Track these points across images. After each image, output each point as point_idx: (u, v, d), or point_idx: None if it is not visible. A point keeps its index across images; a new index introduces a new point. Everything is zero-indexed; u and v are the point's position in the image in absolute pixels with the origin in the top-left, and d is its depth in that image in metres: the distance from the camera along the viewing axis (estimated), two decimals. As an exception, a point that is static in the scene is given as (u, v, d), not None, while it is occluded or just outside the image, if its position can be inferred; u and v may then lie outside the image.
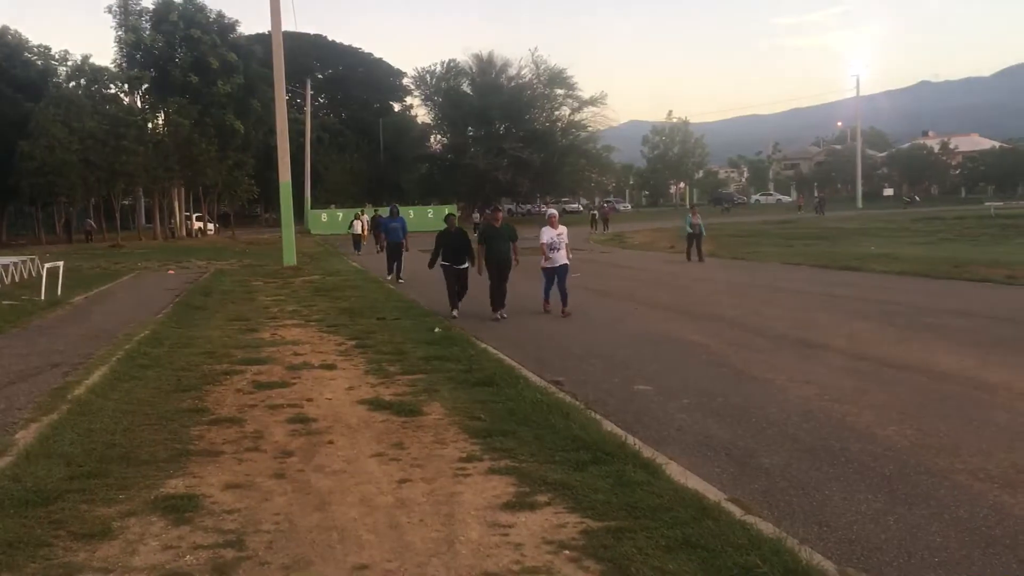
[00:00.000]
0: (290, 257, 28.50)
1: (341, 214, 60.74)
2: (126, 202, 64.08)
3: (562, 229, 14.89)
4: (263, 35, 61.79)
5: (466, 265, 14.86)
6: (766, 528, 4.73)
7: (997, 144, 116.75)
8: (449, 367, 9.54)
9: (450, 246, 14.85)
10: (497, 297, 14.39)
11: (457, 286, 14.83)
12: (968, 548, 4.65)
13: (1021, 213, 53.20)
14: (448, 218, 15.82)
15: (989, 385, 8.54)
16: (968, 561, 4.49)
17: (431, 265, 15.14)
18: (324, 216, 63.63)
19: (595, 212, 62.22)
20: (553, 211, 16.26)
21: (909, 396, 8.19)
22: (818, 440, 6.76)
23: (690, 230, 27.03)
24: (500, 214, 15.28)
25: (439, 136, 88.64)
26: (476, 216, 50.82)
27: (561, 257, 14.70)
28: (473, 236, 15.14)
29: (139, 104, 57.68)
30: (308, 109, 74.26)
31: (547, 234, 14.76)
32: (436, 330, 12.39)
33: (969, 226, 42.84)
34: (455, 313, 14.56)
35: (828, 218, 61.54)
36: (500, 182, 75.62)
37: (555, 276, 14.75)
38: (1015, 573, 4.35)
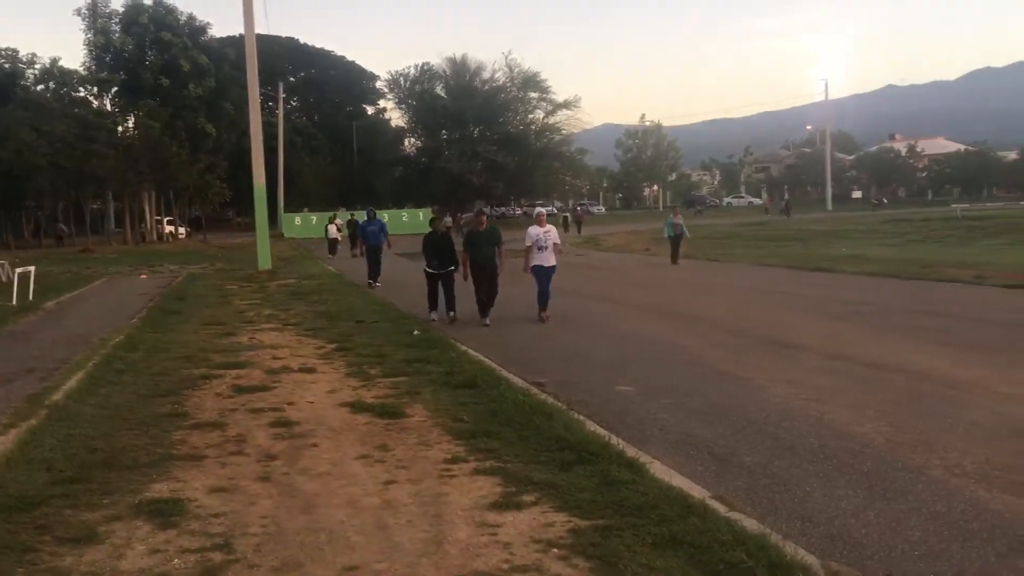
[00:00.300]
0: (265, 261, 28.35)
1: (315, 218, 60.48)
2: (95, 206, 63.38)
3: (550, 227, 14.59)
4: (235, 38, 61.44)
5: (452, 269, 14.64)
6: (750, 524, 4.80)
7: (962, 147, 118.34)
8: (430, 369, 9.56)
9: (435, 250, 14.72)
10: (484, 303, 14.19)
11: (441, 291, 14.67)
12: (947, 542, 4.75)
13: (987, 215, 53.97)
14: (433, 222, 15.75)
15: (961, 383, 8.69)
16: (948, 554, 4.58)
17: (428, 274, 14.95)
18: (298, 220, 63.35)
19: (567, 215, 62.29)
20: (541, 209, 16.11)
21: (884, 394, 8.32)
22: (797, 438, 6.86)
23: (672, 232, 27.06)
24: (485, 218, 15.09)
25: (413, 139, 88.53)
26: (448, 220, 50.20)
27: (549, 258, 14.32)
28: (458, 241, 14.89)
29: (109, 107, 57.13)
30: (281, 112, 73.85)
31: (534, 232, 14.39)
32: (415, 332, 12.40)
33: (936, 228, 43.38)
34: (434, 316, 14.47)
35: (798, 220, 62.05)
36: (474, 185, 75.61)
37: (543, 276, 14.29)
38: (993, 566, 4.45)
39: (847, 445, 6.61)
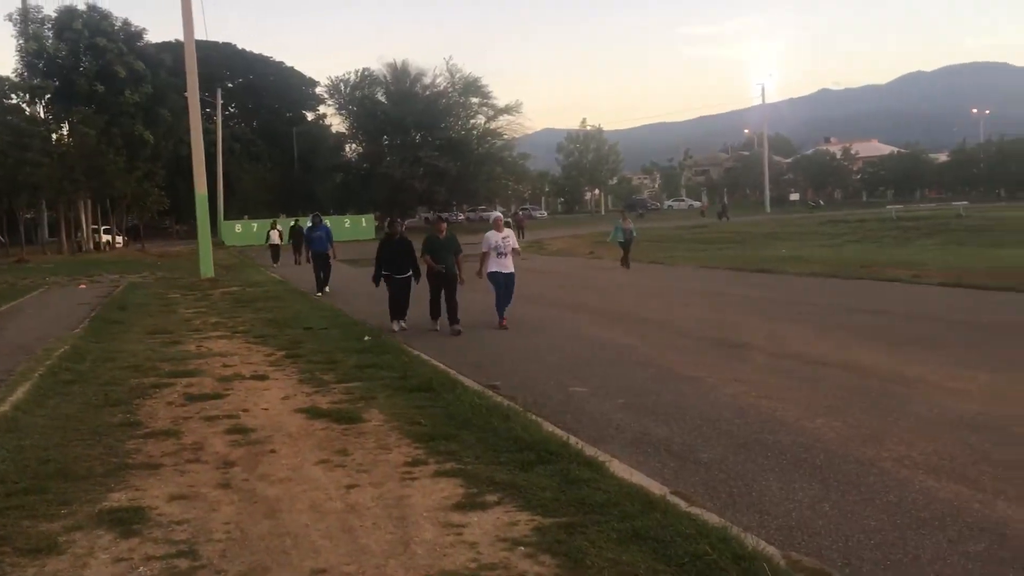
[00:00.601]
0: (207, 269, 27.96)
1: (256, 225, 59.76)
2: (29, 216, 61.79)
3: (508, 232, 14.25)
4: (171, 43, 60.42)
5: (409, 274, 14.20)
6: (711, 518, 4.91)
7: (895, 150, 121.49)
8: (384, 374, 9.54)
9: (393, 256, 14.25)
10: (436, 308, 13.91)
11: (400, 298, 14.23)
12: (900, 530, 4.90)
13: (920, 216, 55.37)
14: (392, 224, 15.41)
15: (905, 379, 8.95)
16: (902, 542, 4.73)
17: (376, 280, 14.48)
18: (238, 227, 62.53)
19: (509, 219, 62.26)
20: (498, 214, 15.56)
21: (832, 391, 8.54)
22: (751, 434, 7.01)
23: (622, 236, 27.18)
24: (444, 225, 14.62)
25: (354, 145, 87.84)
26: (386, 226, 49.31)
27: (508, 264, 14.03)
28: (418, 246, 14.28)
29: (43, 114, 55.72)
30: (219, 118, 72.87)
31: (492, 238, 14.03)
32: (366, 338, 12.36)
33: (872, 229, 44.38)
34: (396, 327, 13.98)
35: (738, 223, 62.94)
36: (416, 191, 75.33)
37: (503, 283, 14.05)
38: (945, 552, 4.60)
39: (799, 440, 6.78)
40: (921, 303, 15.41)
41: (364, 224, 63.44)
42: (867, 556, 4.58)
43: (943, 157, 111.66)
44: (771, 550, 4.50)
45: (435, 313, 14.04)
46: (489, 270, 14.13)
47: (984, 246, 28.85)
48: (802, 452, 6.46)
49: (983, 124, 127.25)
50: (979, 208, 63.50)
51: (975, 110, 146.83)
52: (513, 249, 14.25)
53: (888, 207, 68.04)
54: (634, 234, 27.50)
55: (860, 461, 6.19)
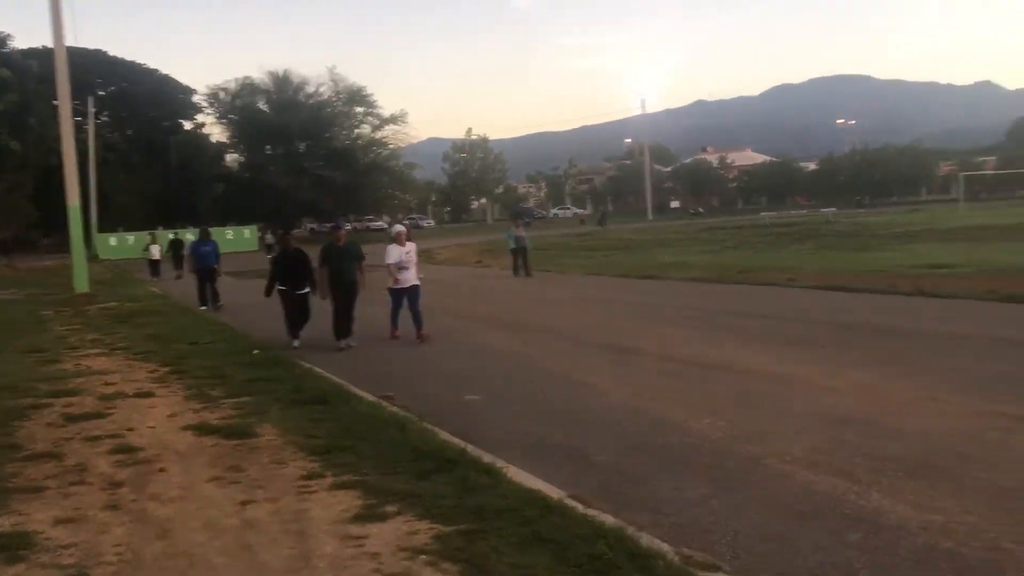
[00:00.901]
0: (82, 283, 26.83)
1: (132, 238, 57.77)
2: None
3: (410, 246, 13.82)
4: (39, 49, 57.84)
5: (306, 290, 13.60)
6: (607, 519, 5.05)
7: (768, 159, 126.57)
8: (275, 388, 9.39)
9: (288, 268, 13.63)
10: (343, 324, 13.24)
11: (297, 313, 13.60)
12: (784, 523, 5.15)
13: (792, 222, 57.79)
14: (284, 238, 14.84)
15: (785, 378, 9.35)
16: (786, 534, 4.97)
17: (268, 292, 13.82)
18: (113, 240, 60.28)
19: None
20: (400, 228, 14.60)
21: (717, 392, 8.86)
22: (643, 436, 7.22)
23: (514, 244, 27.36)
24: (343, 232, 14.01)
25: (236, 155, 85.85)
26: (269, 237, 47.78)
27: (412, 277, 13.66)
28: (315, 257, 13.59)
29: (-103, 123, 52.58)
30: (92, 127, 70.00)
31: (395, 253, 13.57)
32: (255, 352, 12.13)
33: (748, 235, 45.98)
34: (296, 343, 13.36)
35: (621, 230, 64.20)
36: (302, 201, 74.24)
37: (404, 298, 13.67)
38: (826, 541, 4.85)
39: (688, 440, 7.02)
40: (797, 305, 16.07)
41: (247, 236, 62.09)
42: (754, 549, 4.80)
43: (812, 166, 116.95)
44: (664, 547, 4.66)
45: (342, 332, 13.23)
46: (390, 287, 13.71)
47: (852, 250, 30.25)
48: (691, 452, 6.69)
49: (849, 134, 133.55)
50: (846, 214, 66.71)
51: (840, 121, 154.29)
52: (414, 263, 13.87)
53: (762, 214, 70.73)
54: (527, 242, 27.71)
55: (745, 459, 6.45)
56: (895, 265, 22.45)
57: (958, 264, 21.40)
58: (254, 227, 65.07)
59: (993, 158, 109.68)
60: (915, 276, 19.08)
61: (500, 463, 6.25)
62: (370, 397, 8.88)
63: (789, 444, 6.76)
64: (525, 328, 14.84)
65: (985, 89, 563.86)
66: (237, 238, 59.70)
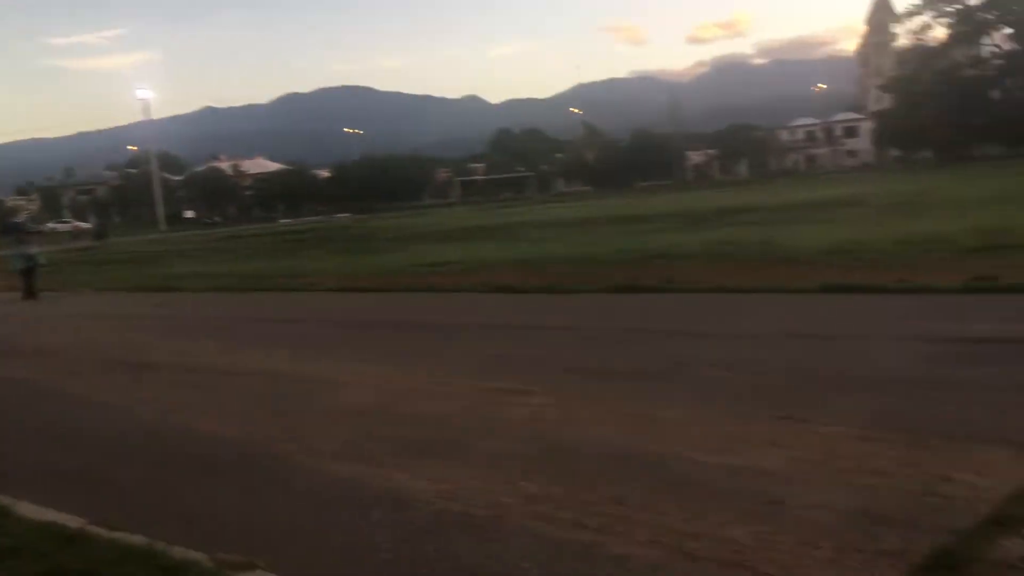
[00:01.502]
0: None
1: None
2: None
3: None
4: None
5: None
6: (136, 539, 4.90)
7: (282, 166, 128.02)
8: None
9: None
10: None
11: None
12: (315, 512, 5.40)
13: (310, 228, 59.10)
14: None
15: (310, 378, 9.62)
16: (317, 523, 5.22)
17: None
18: None
19: None
20: None
21: (246, 397, 8.92)
22: (168, 451, 7.04)
23: (23, 264, 24.01)
24: None
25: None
26: None
27: None
28: None
29: None
30: None
31: None
32: None
33: (267, 242, 46.04)
34: None
35: (130, 242, 60.52)
36: None
37: None
38: (353, 523, 5.17)
39: (217, 449, 6.98)
40: (319, 308, 16.56)
41: None
42: (289, 540, 4.98)
43: (325, 173, 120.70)
44: (199, 556, 4.65)
45: None
46: None
47: (366, 253, 31.72)
48: (221, 459, 6.68)
49: (356, 142, 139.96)
50: (359, 219, 69.85)
51: (348, 129, 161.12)
52: None
53: (280, 221, 71.40)
54: (41, 260, 24.71)
55: (275, 458, 6.59)
56: (408, 265, 23.95)
57: (458, 261, 23.49)
58: None
59: (482, 165, 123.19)
60: (424, 274, 20.59)
61: (6, 499, 5.71)
62: None
63: (315, 438, 7.02)
64: (31, 353, 13.47)
65: (473, 103, 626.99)
66: None
